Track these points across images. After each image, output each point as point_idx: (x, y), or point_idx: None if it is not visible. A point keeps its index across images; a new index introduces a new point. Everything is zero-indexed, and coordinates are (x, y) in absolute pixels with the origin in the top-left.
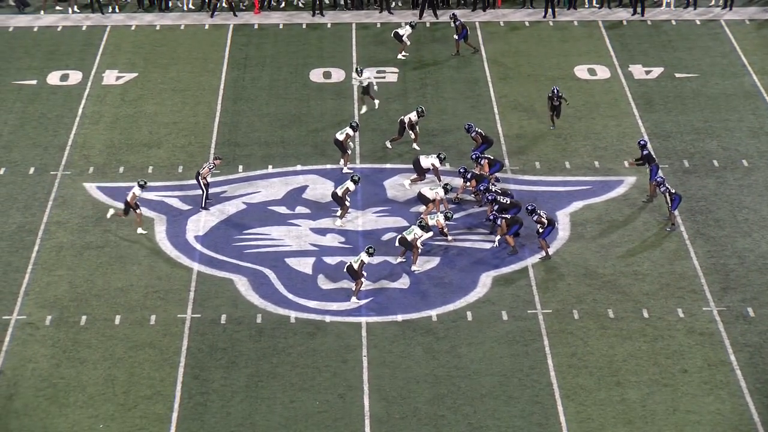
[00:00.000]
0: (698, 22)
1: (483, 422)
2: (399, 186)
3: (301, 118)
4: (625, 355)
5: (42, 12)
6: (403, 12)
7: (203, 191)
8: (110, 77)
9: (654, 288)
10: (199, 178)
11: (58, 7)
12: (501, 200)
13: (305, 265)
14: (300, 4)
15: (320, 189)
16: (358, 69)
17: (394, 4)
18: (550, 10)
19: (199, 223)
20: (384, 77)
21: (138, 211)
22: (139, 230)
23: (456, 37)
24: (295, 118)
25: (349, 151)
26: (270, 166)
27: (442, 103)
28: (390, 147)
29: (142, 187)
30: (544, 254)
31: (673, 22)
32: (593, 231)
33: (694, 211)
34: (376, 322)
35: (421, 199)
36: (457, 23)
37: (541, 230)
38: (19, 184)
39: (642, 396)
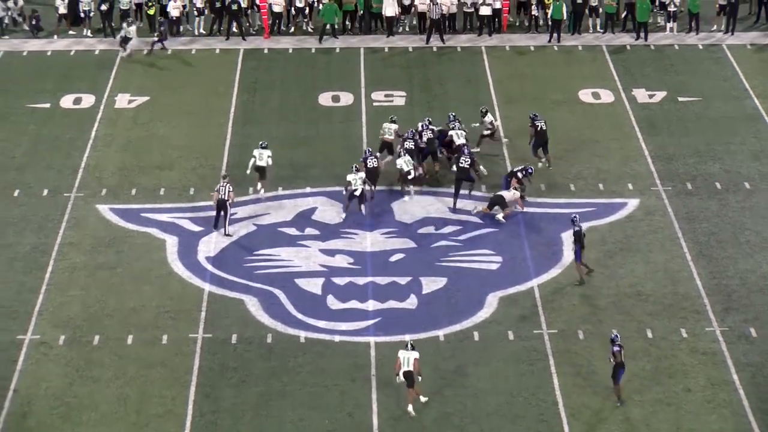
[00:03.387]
0: (700, 47)
1: None
2: (407, 208)
3: (310, 140)
4: (629, 374)
5: (55, 36)
6: (410, 36)
7: (228, 215)
8: (122, 101)
9: (657, 308)
10: (228, 203)
11: (71, 32)
12: None
13: (314, 286)
14: (309, 29)
15: (329, 211)
16: (482, 111)
17: (401, 29)
18: (555, 35)
19: (211, 245)
20: (392, 101)
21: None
22: None
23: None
24: (304, 140)
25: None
26: (280, 188)
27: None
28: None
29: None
30: (580, 279)
31: (676, 47)
32: (597, 252)
33: (697, 232)
34: (385, 341)
35: (498, 202)
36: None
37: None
38: (33, 206)
39: (646, 415)
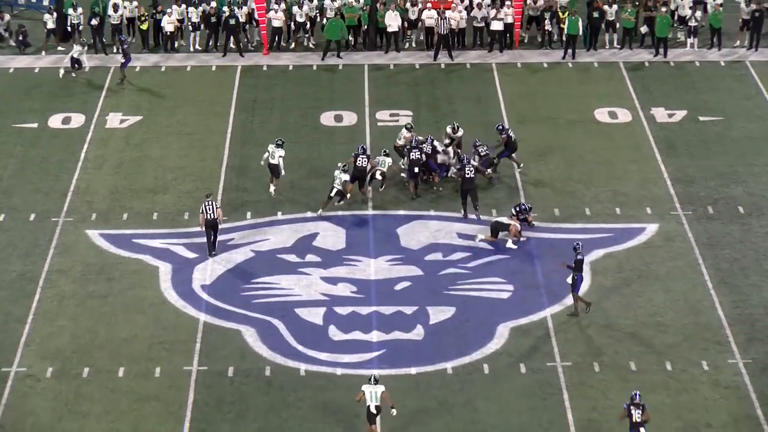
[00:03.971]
0: (722, 64)
1: None
2: (413, 233)
3: (311, 162)
4: (647, 408)
5: (43, 53)
6: (416, 52)
7: (216, 236)
8: (114, 120)
9: (677, 339)
10: (218, 222)
11: (59, 48)
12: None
13: (316, 316)
14: (311, 45)
15: (331, 236)
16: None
17: (407, 45)
18: (569, 51)
19: (206, 272)
20: (397, 120)
21: None
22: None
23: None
24: (306, 162)
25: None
26: (279, 213)
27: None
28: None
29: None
30: (575, 309)
31: (697, 64)
32: (614, 280)
33: (719, 259)
34: (390, 374)
35: (499, 227)
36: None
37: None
38: (20, 231)
39: None
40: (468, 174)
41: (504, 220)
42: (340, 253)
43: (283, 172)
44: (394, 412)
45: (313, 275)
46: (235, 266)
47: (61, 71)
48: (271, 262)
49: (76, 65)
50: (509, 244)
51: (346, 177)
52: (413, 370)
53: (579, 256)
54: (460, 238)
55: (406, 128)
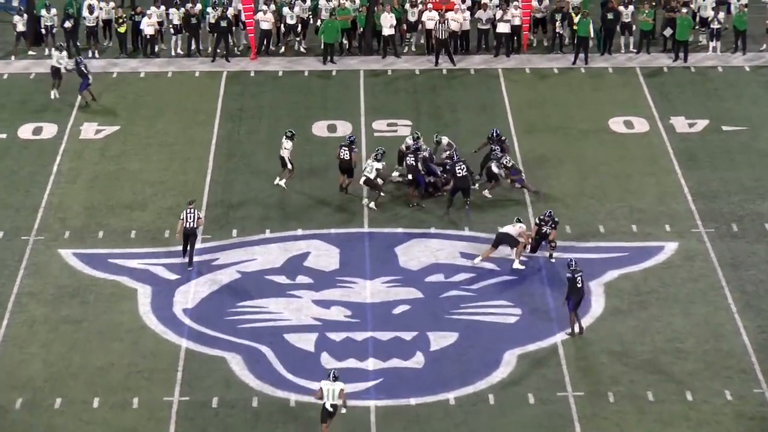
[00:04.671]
0: (748, 69)
1: None
2: (412, 252)
3: (302, 176)
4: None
5: (13, 57)
6: (416, 57)
7: (192, 247)
8: (89, 130)
9: (698, 367)
10: (197, 231)
11: (30, 52)
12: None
13: (307, 342)
14: (302, 49)
15: (324, 256)
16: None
17: (406, 49)
18: (581, 55)
19: (188, 295)
20: (395, 130)
21: None
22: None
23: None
24: (296, 176)
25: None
26: (268, 231)
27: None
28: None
29: None
30: (571, 331)
31: (720, 69)
32: (630, 303)
33: (744, 280)
34: (387, 405)
35: (506, 240)
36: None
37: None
38: None
39: None
40: (459, 173)
41: (511, 231)
42: (334, 274)
43: (290, 166)
44: (344, 410)
45: (304, 298)
46: (220, 288)
47: (53, 94)
48: (258, 284)
49: (57, 79)
50: (516, 265)
51: (378, 165)
52: (413, 401)
53: (568, 275)
54: (464, 257)
55: (414, 137)
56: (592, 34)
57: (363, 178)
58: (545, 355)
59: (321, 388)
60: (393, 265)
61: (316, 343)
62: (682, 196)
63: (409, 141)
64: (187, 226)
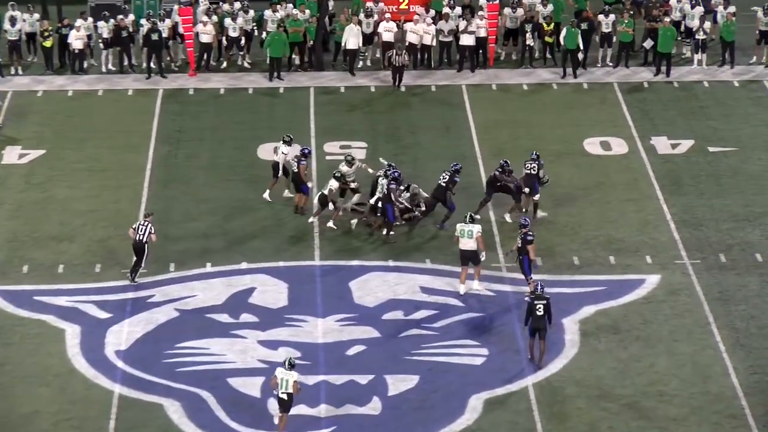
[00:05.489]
0: (736, 84)
1: None
2: (368, 287)
3: (247, 204)
4: None
5: None
6: (372, 73)
7: (143, 258)
8: (11, 155)
9: (684, 412)
10: (147, 246)
11: None
12: None
13: (252, 387)
14: (245, 64)
15: (271, 292)
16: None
17: (360, 63)
18: (569, 69)
19: (122, 335)
20: (349, 153)
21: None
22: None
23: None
24: (241, 204)
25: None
26: (209, 264)
27: (421, 184)
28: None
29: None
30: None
31: (706, 84)
32: (609, 342)
33: (733, 316)
34: None
35: (472, 258)
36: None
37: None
38: None
39: None
40: (440, 181)
41: (470, 244)
42: (282, 312)
43: (290, 169)
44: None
45: (250, 338)
46: (157, 328)
47: None
48: (199, 323)
49: None
50: (475, 286)
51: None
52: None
53: (526, 298)
54: (425, 293)
55: (347, 161)
56: (581, 46)
57: (318, 194)
58: (515, 400)
59: (275, 375)
60: (347, 302)
61: (263, 388)
62: (664, 224)
63: (344, 168)
64: (137, 238)
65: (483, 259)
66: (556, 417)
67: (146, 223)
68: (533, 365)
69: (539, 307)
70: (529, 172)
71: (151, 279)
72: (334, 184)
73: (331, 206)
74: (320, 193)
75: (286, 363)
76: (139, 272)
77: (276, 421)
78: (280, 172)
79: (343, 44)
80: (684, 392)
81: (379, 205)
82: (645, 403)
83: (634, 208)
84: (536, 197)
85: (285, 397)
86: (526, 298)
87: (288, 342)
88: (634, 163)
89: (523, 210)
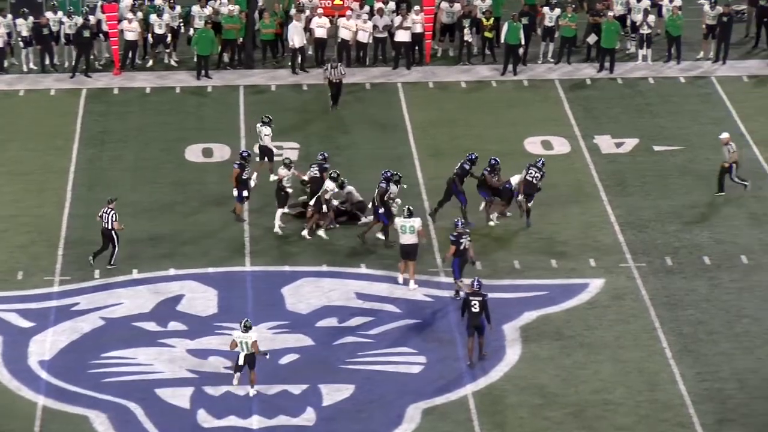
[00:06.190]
0: (683, 80)
1: None
2: (301, 294)
3: (175, 207)
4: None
5: None
6: (303, 72)
7: (115, 247)
8: None
9: (630, 421)
10: (114, 233)
11: None
12: None
13: (181, 398)
14: (172, 63)
15: (200, 299)
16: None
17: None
18: (510, 66)
19: (45, 345)
20: (281, 153)
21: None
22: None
23: None
24: (168, 208)
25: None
26: (135, 271)
27: (356, 186)
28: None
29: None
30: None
31: (651, 81)
32: (551, 349)
33: (680, 321)
34: None
35: (412, 252)
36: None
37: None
38: None
39: None
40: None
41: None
42: (211, 320)
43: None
44: (267, 356)
45: (178, 347)
46: (82, 337)
47: None
48: (125, 332)
49: None
50: (412, 285)
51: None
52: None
53: (463, 294)
54: (360, 299)
55: (284, 164)
56: (522, 41)
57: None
58: (454, 410)
59: (233, 340)
60: (279, 309)
61: (192, 399)
62: (608, 226)
63: (282, 171)
64: (104, 225)
65: (479, 268)
66: (497, 427)
67: (109, 210)
68: (473, 371)
69: (474, 304)
70: (531, 181)
71: (76, 286)
72: (329, 185)
73: (324, 208)
74: (315, 197)
75: (242, 325)
76: (115, 256)
77: (235, 381)
78: (264, 155)
79: (290, 43)
80: (630, 400)
81: (331, 204)
82: (590, 412)
83: (577, 209)
84: (530, 203)
85: (242, 361)
86: (462, 294)
87: (218, 351)
88: (576, 163)
89: (508, 214)
